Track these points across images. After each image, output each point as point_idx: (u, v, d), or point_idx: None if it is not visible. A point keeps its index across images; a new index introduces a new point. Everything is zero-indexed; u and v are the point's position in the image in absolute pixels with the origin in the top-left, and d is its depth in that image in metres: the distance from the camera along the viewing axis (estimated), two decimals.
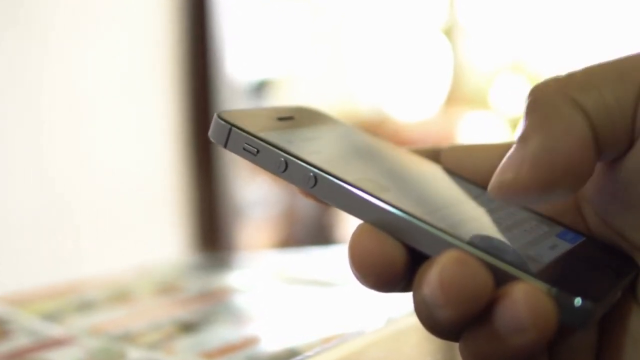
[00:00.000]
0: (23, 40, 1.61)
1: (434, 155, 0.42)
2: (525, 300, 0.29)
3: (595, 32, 3.40)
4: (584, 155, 0.31)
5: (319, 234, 2.63)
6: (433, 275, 0.30)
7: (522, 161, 0.32)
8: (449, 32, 3.75)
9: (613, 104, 0.32)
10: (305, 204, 2.57)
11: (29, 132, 1.63)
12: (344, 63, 3.38)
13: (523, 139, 0.32)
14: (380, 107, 3.43)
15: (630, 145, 0.33)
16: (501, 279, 0.31)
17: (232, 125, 0.36)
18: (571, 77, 0.33)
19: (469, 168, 0.40)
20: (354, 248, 0.33)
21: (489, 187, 0.33)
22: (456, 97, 3.69)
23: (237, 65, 2.18)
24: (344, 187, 0.34)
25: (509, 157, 0.32)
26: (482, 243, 0.32)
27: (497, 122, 3.35)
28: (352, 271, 0.33)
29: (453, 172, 0.41)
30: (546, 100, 0.32)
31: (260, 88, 2.96)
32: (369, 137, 0.44)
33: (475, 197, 0.38)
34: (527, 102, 0.33)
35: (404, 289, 0.34)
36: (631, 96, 0.32)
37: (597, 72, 0.33)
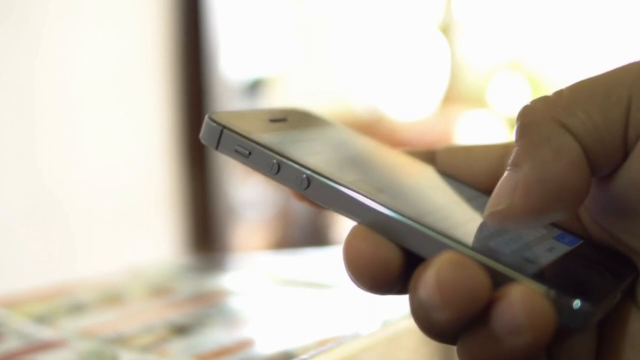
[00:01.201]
0: (14, 37, 1.61)
1: (429, 156, 0.42)
2: (523, 302, 0.29)
3: (593, 30, 3.40)
4: (577, 178, 0.32)
5: (313, 236, 2.62)
6: (429, 277, 0.30)
7: (514, 189, 0.32)
8: (445, 30, 3.76)
9: (601, 124, 0.32)
10: (300, 205, 2.57)
11: (20, 131, 1.63)
12: (339, 62, 3.38)
13: (514, 165, 0.32)
14: (375, 106, 3.43)
15: (623, 159, 0.33)
16: (498, 280, 0.31)
17: (224, 126, 0.36)
18: (558, 97, 0.33)
19: (465, 170, 0.41)
20: (348, 250, 0.33)
21: (484, 215, 0.33)
22: (453, 96, 3.70)
23: (231, 64, 2.18)
24: (338, 189, 0.34)
25: (501, 185, 0.33)
26: (478, 245, 0.32)
27: (494, 121, 3.35)
28: (347, 274, 0.33)
29: (447, 174, 0.41)
30: (535, 125, 0.33)
31: (253, 87, 2.96)
32: (363, 139, 0.44)
33: (471, 200, 0.38)
34: (517, 126, 0.33)
35: (400, 291, 0.34)
36: (618, 115, 0.32)
37: (583, 90, 0.33)
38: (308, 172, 0.35)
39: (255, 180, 2.55)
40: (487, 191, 0.39)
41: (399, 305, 0.54)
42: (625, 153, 0.33)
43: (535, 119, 0.33)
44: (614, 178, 0.33)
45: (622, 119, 0.32)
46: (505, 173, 0.33)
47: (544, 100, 0.33)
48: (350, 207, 0.34)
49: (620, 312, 0.34)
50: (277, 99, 2.94)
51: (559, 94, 0.33)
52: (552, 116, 0.32)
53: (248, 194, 2.60)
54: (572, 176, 0.32)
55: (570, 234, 0.37)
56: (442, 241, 0.32)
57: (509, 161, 0.33)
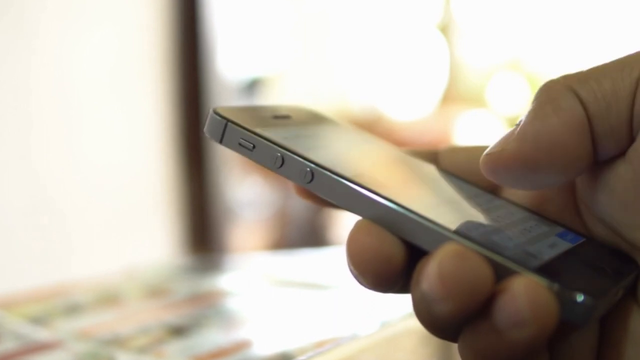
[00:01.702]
0: (10, 36, 1.60)
1: (432, 156, 0.42)
2: (527, 295, 0.29)
3: (592, 29, 3.41)
4: (574, 140, 0.32)
5: (311, 236, 2.63)
6: (432, 269, 0.30)
7: (510, 136, 0.33)
8: (444, 29, 3.76)
9: (609, 92, 0.33)
10: (298, 206, 2.57)
11: (16, 131, 1.63)
12: (337, 61, 3.38)
13: (520, 121, 0.33)
14: (374, 105, 3.43)
15: (630, 141, 0.33)
16: (501, 273, 0.31)
17: (228, 120, 0.37)
18: (578, 72, 0.34)
19: (468, 169, 0.41)
20: (351, 245, 0.33)
21: (480, 160, 0.34)
22: (452, 96, 3.70)
23: (228, 63, 2.18)
24: (342, 182, 0.34)
25: (502, 135, 0.34)
26: (481, 238, 0.32)
27: (494, 121, 3.35)
28: (350, 269, 0.33)
29: (449, 173, 0.41)
30: (547, 89, 0.34)
31: (252, 86, 2.96)
32: (366, 137, 0.44)
33: (473, 197, 0.39)
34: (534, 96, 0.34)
35: (402, 289, 0.34)
36: (628, 86, 0.33)
37: (600, 67, 0.34)
38: (312, 165, 0.35)
39: (253, 180, 2.55)
40: (490, 190, 0.39)
41: (397, 306, 0.54)
42: (631, 132, 0.33)
43: (550, 85, 0.34)
44: (616, 169, 0.34)
45: (630, 92, 0.33)
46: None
47: (564, 75, 0.34)
48: (354, 201, 0.34)
49: (621, 310, 0.34)
50: (274, 98, 2.94)
51: (579, 71, 0.34)
52: (565, 84, 0.33)
53: (245, 194, 2.60)
54: (570, 136, 0.32)
55: (573, 231, 0.37)
56: (446, 234, 0.32)
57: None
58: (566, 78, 0.34)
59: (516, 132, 0.33)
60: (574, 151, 0.32)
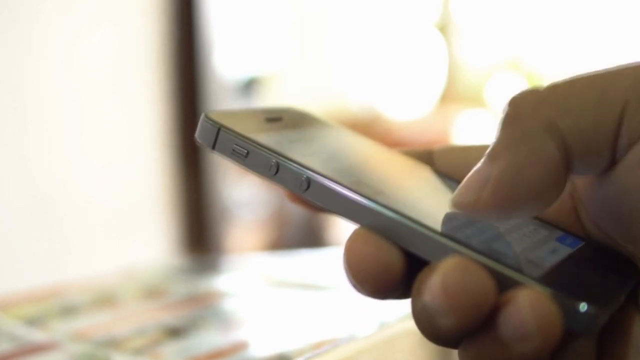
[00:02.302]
0: (6, 35, 1.60)
1: (427, 156, 0.42)
2: (531, 307, 0.29)
3: (591, 28, 3.41)
4: (550, 185, 0.32)
5: (309, 237, 2.62)
6: (435, 282, 0.30)
7: (484, 184, 0.32)
8: (443, 28, 3.76)
9: (590, 130, 0.32)
10: (295, 206, 2.57)
11: (13, 131, 1.63)
12: (335, 60, 3.38)
13: (491, 156, 0.33)
14: (371, 105, 3.43)
15: (610, 161, 0.33)
16: (504, 284, 0.30)
17: (221, 126, 0.36)
18: (551, 93, 0.33)
19: (463, 170, 0.40)
20: (349, 254, 0.32)
21: (451, 201, 0.33)
22: (451, 95, 3.70)
23: (225, 62, 2.17)
24: (339, 191, 0.34)
25: (473, 176, 0.33)
26: (483, 248, 0.32)
27: (493, 121, 3.35)
28: (348, 278, 0.33)
29: (445, 175, 0.41)
30: (521, 119, 0.33)
31: (248, 86, 2.96)
32: (359, 139, 0.44)
33: None
34: (503, 113, 0.33)
35: (401, 296, 0.33)
36: (610, 122, 0.32)
37: (577, 90, 0.33)
38: (308, 172, 0.34)
39: (250, 180, 2.55)
40: None
41: (395, 307, 0.54)
42: (613, 157, 0.33)
43: (522, 113, 0.33)
44: (608, 183, 0.33)
45: (613, 126, 0.32)
46: (481, 162, 0.33)
47: (534, 95, 0.33)
48: (352, 210, 0.33)
49: (622, 316, 0.34)
50: (272, 98, 2.94)
51: (552, 90, 0.33)
52: (541, 113, 0.32)
53: (243, 194, 2.60)
54: (546, 184, 0.32)
55: (572, 235, 0.37)
56: (446, 244, 0.32)
57: (487, 150, 0.33)
58: (539, 101, 0.33)
59: (490, 182, 0.32)
60: (549, 194, 0.32)
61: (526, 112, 0.33)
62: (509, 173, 0.32)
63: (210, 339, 0.54)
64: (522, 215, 0.33)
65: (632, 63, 0.33)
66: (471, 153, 0.41)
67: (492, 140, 0.33)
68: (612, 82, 0.33)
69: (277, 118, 0.41)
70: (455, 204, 0.33)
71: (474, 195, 0.32)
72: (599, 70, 0.33)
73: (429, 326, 0.31)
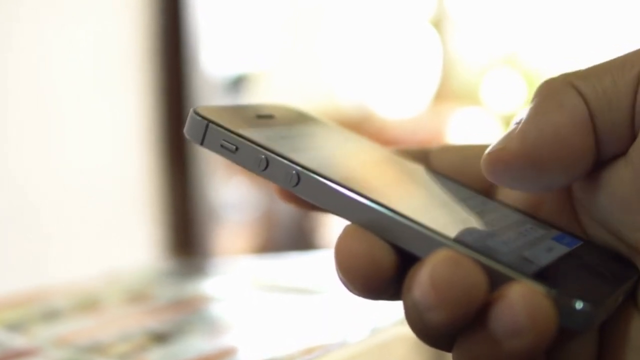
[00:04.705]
0: None
1: (423, 156, 0.42)
2: (524, 302, 0.29)
3: (590, 25, 3.42)
4: (577, 136, 0.33)
5: (299, 239, 2.63)
6: (424, 276, 0.30)
7: (511, 133, 0.33)
8: (438, 24, 3.76)
9: (610, 88, 0.33)
10: (285, 207, 2.56)
11: None
12: (326, 57, 3.38)
13: (520, 119, 0.34)
14: (364, 103, 3.43)
15: (631, 139, 0.33)
16: (496, 280, 0.31)
17: (209, 121, 0.36)
18: (577, 70, 0.34)
19: (460, 170, 0.41)
20: (340, 251, 0.33)
21: (481, 160, 0.34)
22: (445, 93, 3.70)
23: (213, 60, 2.17)
24: (330, 186, 0.34)
25: (503, 134, 0.34)
26: (475, 243, 0.32)
27: (488, 120, 3.36)
28: (339, 276, 0.33)
29: (440, 174, 0.41)
30: (547, 85, 0.34)
31: (237, 83, 2.96)
32: (352, 136, 0.44)
33: (466, 199, 0.38)
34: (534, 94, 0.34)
35: (392, 296, 0.34)
36: (629, 82, 0.33)
37: (600, 64, 0.34)
38: (298, 167, 0.35)
39: (238, 180, 2.55)
40: (483, 192, 0.39)
41: (388, 312, 0.54)
42: (632, 130, 0.33)
43: (550, 83, 0.34)
44: (616, 168, 0.34)
45: (632, 86, 0.33)
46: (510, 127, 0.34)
47: (565, 73, 0.34)
48: (343, 205, 0.34)
49: (621, 316, 0.34)
50: (261, 96, 2.94)
51: (580, 68, 0.34)
52: (567, 80, 0.34)
53: (230, 195, 2.60)
54: (574, 133, 0.33)
55: (570, 234, 0.37)
56: (438, 239, 0.32)
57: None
58: (566, 75, 0.34)
59: (518, 129, 0.33)
60: (578, 149, 0.33)
61: (553, 82, 0.34)
62: (536, 121, 0.33)
63: (197, 344, 0.54)
64: (551, 174, 0.33)
65: None
66: (468, 152, 0.41)
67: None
68: (633, 54, 0.34)
69: (268, 115, 0.41)
70: (485, 157, 0.34)
71: (502, 144, 0.33)
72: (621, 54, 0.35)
73: (420, 323, 0.31)
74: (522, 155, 0.33)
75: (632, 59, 0.33)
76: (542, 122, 0.33)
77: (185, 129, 0.37)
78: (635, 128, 0.33)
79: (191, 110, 0.37)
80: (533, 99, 0.34)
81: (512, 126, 0.34)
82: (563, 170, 0.33)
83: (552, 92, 0.33)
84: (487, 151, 0.34)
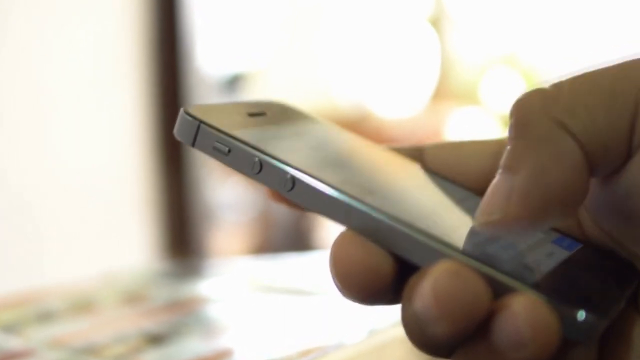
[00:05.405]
0: None
1: (417, 154, 0.42)
2: (526, 314, 0.29)
3: (590, 23, 3.42)
4: (577, 182, 0.32)
5: (296, 240, 2.62)
6: (426, 288, 0.30)
7: (509, 197, 0.31)
8: (436, 23, 3.76)
9: (605, 128, 0.32)
10: (282, 208, 2.56)
11: None
12: (323, 55, 3.38)
13: (509, 168, 0.32)
14: (361, 102, 3.43)
15: (626, 158, 0.33)
16: (498, 290, 0.30)
17: (201, 121, 0.36)
18: (557, 92, 0.33)
19: (455, 168, 0.40)
20: (336, 258, 0.32)
21: (476, 223, 0.32)
22: (444, 92, 3.70)
23: (209, 58, 2.17)
24: (325, 191, 0.33)
25: (494, 191, 0.32)
26: (476, 252, 0.32)
27: (487, 119, 3.36)
28: (335, 283, 0.32)
29: (435, 173, 0.41)
30: (532, 124, 0.32)
31: (232, 82, 2.96)
32: (345, 134, 0.43)
33: (462, 201, 0.38)
34: (510, 123, 0.33)
35: (391, 302, 0.33)
36: (625, 118, 0.32)
37: (585, 87, 0.33)
38: (293, 171, 0.34)
39: (234, 180, 2.55)
40: (479, 191, 0.38)
41: (385, 313, 0.54)
42: (629, 155, 0.32)
43: (532, 117, 0.32)
44: (616, 181, 0.33)
45: (628, 123, 0.32)
46: (497, 177, 0.32)
47: (541, 95, 0.33)
48: (339, 211, 0.33)
49: (622, 321, 0.34)
50: (257, 95, 2.93)
51: (557, 88, 0.33)
52: (551, 115, 0.32)
53: (227, 195, 2.59)
54: (573, 181, 0.31)
55: (569, 237, 0.37)
56: (438, 248, 0.31)
57: (501, 163, 0.32)
58: (546, 102, 0.32)
59: (515, 190, 0.31)
60: (578, 192, 0.32)
61: (536, 115, 0.32)
62: (535, 178, 0.31)
63: (192, 346, 0.54)
64: (552, 222, 0.32)
65: None
66: (464, 150, 0.41)
67: (506, 151, 0.32)
68: (622, 77, 0.32)
69: (260, 112, 0.40)
70: (482, 224, 0.32)
71: (501, 210, 0.31)
72: (607, 67, 0.33)
73: (420, 334, 0.31)
74: (525, 219, 0.31)
75: (622, 87, 0.32)
76: (543, 179, 0.31)
77: (176, 129, 0.36)
78: (630, 152, 0.32)
79: (181, 110, 0.36)
80: (515, 135, 0.32)
81: (500, 175, 0.32)
82: (565, 213, 0.32)
83: (541, 135, 0.32)
84: (483, 219, 0.32)
